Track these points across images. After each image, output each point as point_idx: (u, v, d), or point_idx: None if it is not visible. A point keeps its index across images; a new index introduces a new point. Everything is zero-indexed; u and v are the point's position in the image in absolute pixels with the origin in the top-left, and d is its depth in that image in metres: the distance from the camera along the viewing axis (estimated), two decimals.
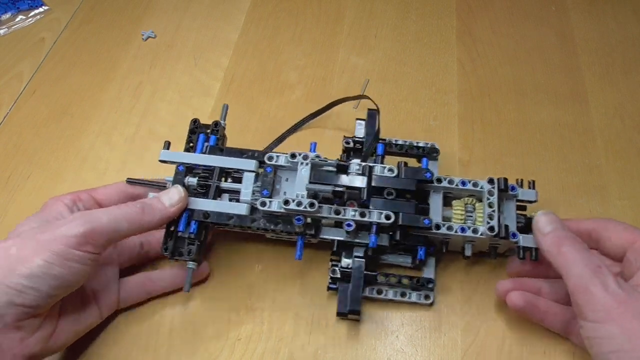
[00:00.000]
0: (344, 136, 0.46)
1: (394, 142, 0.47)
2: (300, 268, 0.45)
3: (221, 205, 0.42)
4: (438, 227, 0.40)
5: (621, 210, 0.48)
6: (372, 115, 0.48)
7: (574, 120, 0.54)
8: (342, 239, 0.42)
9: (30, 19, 0.69)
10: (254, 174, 0.42)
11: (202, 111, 0.58)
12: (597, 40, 0.61)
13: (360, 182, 0.41)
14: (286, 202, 0.39)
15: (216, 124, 0.45)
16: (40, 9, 0.70)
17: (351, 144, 0.46)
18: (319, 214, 0.40)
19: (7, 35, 0.68)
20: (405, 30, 0.64)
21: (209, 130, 0.45)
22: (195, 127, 0.45)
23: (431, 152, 0.46)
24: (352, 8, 0.67)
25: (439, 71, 0.59)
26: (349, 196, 0.41)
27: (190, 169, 0.43)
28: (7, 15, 0.70)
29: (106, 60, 0.64)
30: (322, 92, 0.58)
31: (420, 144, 0.46)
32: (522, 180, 0.43)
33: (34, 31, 0.68)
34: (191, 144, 0.45)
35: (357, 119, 0.48)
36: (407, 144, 0.47)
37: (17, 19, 0.69)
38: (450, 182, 0.42)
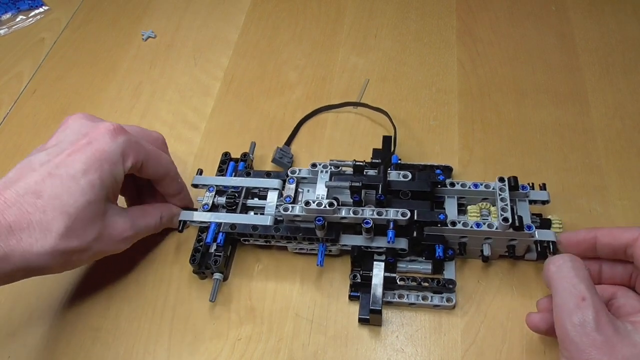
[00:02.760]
0: (354, 160, 0.45)
1: (409, 164, 0.48)
2: (301, 268, 0.45)
3: (247, 218, 0.45)
4: (454, 223, 0.41)
5: (621, 210, 0.47)
6: (387, 141, 0.48)
7: (574, 120, 0.54)
8: (360, 244, 0.42)
9: (30, 19, 0.70)
10: (277, 191, 0.46)
11: (202, 111, 0.58)
12: (597, 40, 0.61)
13: (376, 179, 0.43)
14: (307, 203, 0.41)
15: (245, 154, 0.49)
16: (40, 9, 0.70)
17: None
18: (337, 214, 0.41)
19: (7, 35, 0.68)
20: (405, 30, 0.64)
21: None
22: (226, 159, 0.50)
23: (445, 171, 0.47)
24: (352, 8, 0.67)
25: (439, 71, 0.59)
26: (366, 201, 0.43)
27: (220, 191, 0.47)
28: (7, 15, 0.70)
29: (106, 60, 0.64)
30: (322, 91, 0.58)
31: (435, 164, 0.48)
32: (532, 183, 0.44)
33: (34, 31, 0.68)
34: (222, 173, 0.49)
35: (374, 149, 0.48)
36: (421, 164, 0.48)
37: (17, 19, 0.69)
38: (463, 185, 0.44)
